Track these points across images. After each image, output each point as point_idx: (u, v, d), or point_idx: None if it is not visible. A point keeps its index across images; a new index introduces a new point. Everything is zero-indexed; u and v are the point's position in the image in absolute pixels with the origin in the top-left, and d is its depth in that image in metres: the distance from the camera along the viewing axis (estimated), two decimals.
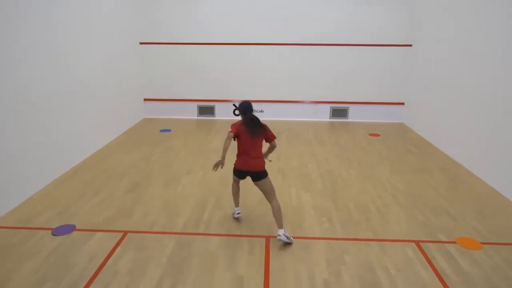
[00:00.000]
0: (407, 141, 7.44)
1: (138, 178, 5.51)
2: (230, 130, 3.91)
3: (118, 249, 3.78)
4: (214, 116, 9.06)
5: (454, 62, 6.55)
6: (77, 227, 4.17)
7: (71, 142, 5.83)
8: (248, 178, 4.04)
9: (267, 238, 3.98)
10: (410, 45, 8.37)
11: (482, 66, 5.70)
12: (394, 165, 6.13)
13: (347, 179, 5.54)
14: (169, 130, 7.99)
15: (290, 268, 3.50)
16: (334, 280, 3.34)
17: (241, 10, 8.43)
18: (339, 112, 8.98)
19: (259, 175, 3.93)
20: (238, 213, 4.34)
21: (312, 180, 5.49)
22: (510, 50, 5.06)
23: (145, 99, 9.03)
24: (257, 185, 4.00)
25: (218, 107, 9.00)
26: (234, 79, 8.85)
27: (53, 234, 4.01)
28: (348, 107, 8.94)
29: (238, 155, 4.01)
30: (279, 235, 3.80)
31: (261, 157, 4.01)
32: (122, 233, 4.06)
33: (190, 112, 9.09)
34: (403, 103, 8.80)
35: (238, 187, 4.30)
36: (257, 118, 4.00)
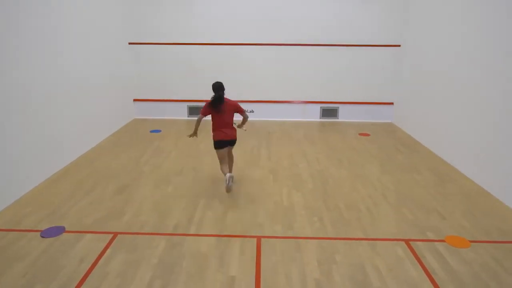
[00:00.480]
0: (397, 140, 7.52)
1: (129, 179, 5.46)
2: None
3: (109, 250, 3.75)
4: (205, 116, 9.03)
5: (442, 62, 6.63)
6: (67, 229, 4.12)
7: (61, 142, 5.76)
8: None
9: (259, 238, 3.98)
10: (399, 46, 8.46)
11: (471, 66, 5.78)
12: (384, 164, 6.19)
13: (337, 179, 5.57)
14: (159, 131, 7.95)
15: (281, 268, 3.51)
16: (325, 279, 3.36)
17: (232, 11, 8.42)
18: (329, 112, 9.03)
19: (233, 142, 5.02)
20: (231, 176, 4.78)
21: (303, 180, 5.51)
22: (499, 50, 5.14)
23: (135, 100, 8.97)
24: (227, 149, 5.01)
25: None
26: (224, 79, 8.68)
27: (42, 236, 3.96)
28: (338, 107, 8.99)
29: (213, 130, 4.96)
30: (231, 176, 4.75)
31: (232, 127, 4.96)
32: (112, 235, 4.02)
33: (180, 113, 9.05)
34: (392, 103, 8.88)
35: (226, 158, 5.01)
36: (220, 96, 4.81)
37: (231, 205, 4.72)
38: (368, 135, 7.86)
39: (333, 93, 8.88)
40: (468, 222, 4.39)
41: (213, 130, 4.97)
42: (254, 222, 4.32)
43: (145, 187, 5.21)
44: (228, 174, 4.75)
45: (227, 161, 5.07)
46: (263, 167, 5.97)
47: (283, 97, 8.91)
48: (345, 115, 9.02)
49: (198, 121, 4.98)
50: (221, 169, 4.96)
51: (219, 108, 4.84)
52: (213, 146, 4.97)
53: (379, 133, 7.99)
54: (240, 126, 5.16)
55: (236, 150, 6.58)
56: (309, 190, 5.18)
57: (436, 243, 3.96)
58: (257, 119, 8.72)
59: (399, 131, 8.22)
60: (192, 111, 9.03)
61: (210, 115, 4.96)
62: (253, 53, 8.64)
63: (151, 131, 7.90)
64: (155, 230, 4.13)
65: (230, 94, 8.95)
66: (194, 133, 5.12)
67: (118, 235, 4.03)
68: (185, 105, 9.01)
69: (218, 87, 4.89)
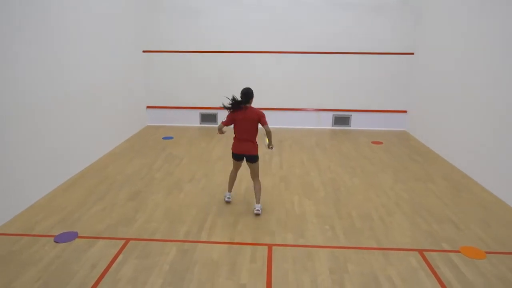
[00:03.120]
0: (410, 149, 7.43)
1: (141, 186, 5.51)
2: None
3: (120, 256, 3.76)
4: (217, 124, 9.08)
5: (456, 69, 6.55)
6: (80, 234, 4.16)
7: (74, 149, 5.85)
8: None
9: (270, 247, 3.96)
10: (412, 53, 8.40)
11: (485, 74, 5.70)
12: (397, 173, 6.11)
13: (350, 187, 5.52)
14: (171, 138, 8.00)
15: (292, 276, 3.48)
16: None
17: (244, 19, 8.48)
18: (341, 120, 8.98)
19: (251, 158, 4.55)
20: (229, 197, 4.89)
21: (314, 188, 5.47)
22: None
23: (148, 107, 9.07)
24: (248, 165, 4.65)
25: (220, 114, 9.01)
26: (236, 87, 8.84)
27: (56, 241, 4.01)
28: (351, 115, 8.94)
29: (233, 139, 4.63)
30: (257, 209, 4.58)
31: (252, 140, 4.51)
32: (124, 241, 4.05)
33: (193, 120, 9.11)
34: (405, 111, 8.79)
35: (235, 174, 4.85)
36: (239, 101, 4.48)
37: (242, 212, 4.71)
38: (381, 143, 7.79)
39: (346, 100, 8.84)
40: (484, 233, 4.29)
41: (233, 139, 4.68)
42: (265, 229, 4.30)
43: (157, 194, 5.24)
44: (228, 193, 4.93)
45: (235, 177, 4.90)
46: (274, 175, 5.95)
47: (295, 105, 8.91)
48: (358, 123, 8.96)
49: (220, 126, 4.56)
50: (228, 184, 4.96)
51: (238, 113, 4.47)
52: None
53: (392, 141, 7.91)
54: (268, 145, 4.60)
55: None
56: (321, 198, 5.14)
57: (450, 253, 3.88)
58: (270, 126, 8.70)
59: (413, 139, 8.12)
60: (204, 118, 9.08)
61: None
62: (266, 60, 8.67)
63: (164, 138, 7.96)
64: (167, 237, 4.14)
65: None
66: (220, 131, 4.62)
67: (130, 241, 4.05)
68: (197, 112, 9.07)
69: (242, 93, 4.58)
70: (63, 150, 5.53)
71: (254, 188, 4.68)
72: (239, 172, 5.01)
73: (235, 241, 4.08)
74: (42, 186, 5.12)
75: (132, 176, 5.84)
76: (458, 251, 3.91)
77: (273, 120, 8.85)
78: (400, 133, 8.64)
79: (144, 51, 8.69)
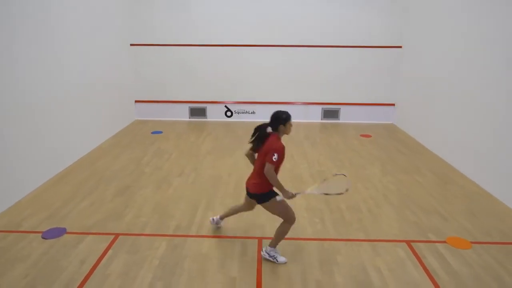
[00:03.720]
0: (398, 142, 7.51)
1: (130, 180, 5.47)
2: (276, 158, 3.37)
3: (110, 251, 3.74)
4: (206, 118, 9.04)
5: (443, 63, 6.62)
6: (68, 230, 4.12)
7: (61, 144, 5.77)
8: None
9: (260, 240, 3.98)
10: (400, 47, 8.45)
11: (473, 67, 5.77)
12: (385, 165, 6.18)
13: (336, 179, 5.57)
14: (160, 132, 7.95)
15: (282, 269, 3.51)
16: (327, 280, 3.35)
17: (232, 12, 8.42)
18: (330, 113, 9.02)
19: (256, 198, 3.57)
20: (215, 223, 4.11)
21: (304, 181, 5.50)
22: (499, 52, 5.14)
23: (136, 101, 8.97)
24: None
25: (209, 108, 8.99)
26: (226, 81, 8.84)
27: (43, 238, 3.96)
28: (340, 108, 8.99)
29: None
30: (263, 251, 3.66)
31: (256, 176, 3.54)
32: (113, 236, 4.02)
33: (181, 114, 9.05)
34: (393, 104, 8.87)
35: (239, 208, 3.98)
36: (261, 134, 3.54)
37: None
38: (369, 136, 7.85)
39: (334, 94, 8.88)
40: (470, 223, 4.37)
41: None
42: (255, 223, 4.32)
43: (146, 189, 5.21)
44: (217, 218, 4.10)
45: (237, 211, 4.02)
46: None
47: (284, 98, 8.91)
48: (346, 116, 9.01)
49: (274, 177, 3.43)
50: (226, 211, 4.11)
51: (255, 147, 3.62)
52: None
53: (380, 134, 7.98)
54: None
55: (236, 151, 6.58)
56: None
57: (437, 244, 3.95)
58: (258, 120, 8.69)
59: (401, 132, 8.21)
60: (193, 112, 9.03)
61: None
62: (255, 54, 8.64)
63: (152, 133, 7.90)
64: (156, 231, 4.13)
65: (230, 94, 9.01)
66: (291, 195, 3.47)
67: (119, 236, 4.02)
68: (186, 106, 9.01)
69: (272, 117, 3.54)
70: (50, 146, 5.45)
71: (235, 211, 4.04)
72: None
73: (225, 234, 4.08)
74: (29, 182, 5.05)
75: (120, 171, 5.79)
76: (444, 242, 3.99)
77: (262, 114, 8.87)
78: (388, 126, 8.72)
79: (131, 45, 8.58)
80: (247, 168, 5.93)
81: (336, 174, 3.76)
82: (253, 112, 8.75)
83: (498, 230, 4.23)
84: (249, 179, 3.65)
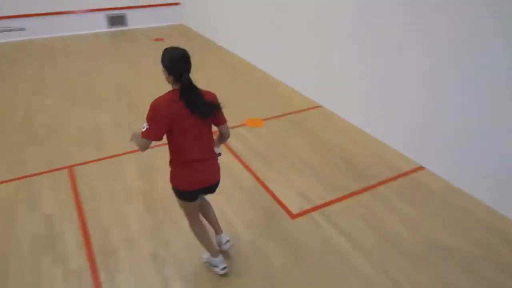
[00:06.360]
0: (190, 40, 7.66)
1: None
2: (145, 127, 2.12)
3: None
4: None
5: None
6: None
7: None
8: None
9: (70, 168, 3.70)
10: None
11: None
12: None
13: (140, 88, 5.46)
14: None
15: (102, 189, 3.42)
16: (149, 187, 3.47)
17: None
18: (116, 19, 8.31)
19: (215, 187, 2.38)
20: (224, 266, 2.53)
21: (104, 98, 5.18)
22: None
23: None
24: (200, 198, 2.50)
25: None
26: None
27: None
28: (125, 13, 8.34)
29: (177, 165, 2.25)
30: (227, 239, 2.69)
31: (214, 154, 2.40)
32: None
33: None
34: (178, 3, 8.76)
35: (202, 213, 2.64)
36: (192, 84, 2.23)
37: (27, 140, 4.13)
38: (162, 39, 7.72)
39: None
40: (261, 105, 5.09)
41: (179, 166, 2.25)
42: (60, 152, 3.94)
43: None
44: (219, 259, 2.53)
45: (208, 220, 2.70)
46: (55, 92, 5.29)
47: (59, 8, 7.61)
48: (135, 21, 8.50)
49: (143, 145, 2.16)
50: (207, 247, 2.52)
51: (205, 112, 2.25)
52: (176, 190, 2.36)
53: (172, 36, 7.94)
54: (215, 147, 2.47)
55: (17, 77, 5.54)
56: (114, 107, 4.94)
57: (239, 128, 4.50)
58: (32, 37, 7.31)
59: (190, 31, 8.34)
60: None
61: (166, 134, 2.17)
62: None
63: None
64: None
65: None
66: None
67: None
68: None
69: (181, 59, 2.26)
70: None
71: (209, 217, 2.69)
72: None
73: (26, 174, 3.61)
74: None
75: None
76: (244, 125, 4.57)
77: (35, 29, 7.43)
78: (178, 26, 8.71)
79: None
80: (33, 95, 5.12)
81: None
82: (22, 29, 7.24)
83: (282, 106, 5.08)
84: (205, 168, 2.29)
